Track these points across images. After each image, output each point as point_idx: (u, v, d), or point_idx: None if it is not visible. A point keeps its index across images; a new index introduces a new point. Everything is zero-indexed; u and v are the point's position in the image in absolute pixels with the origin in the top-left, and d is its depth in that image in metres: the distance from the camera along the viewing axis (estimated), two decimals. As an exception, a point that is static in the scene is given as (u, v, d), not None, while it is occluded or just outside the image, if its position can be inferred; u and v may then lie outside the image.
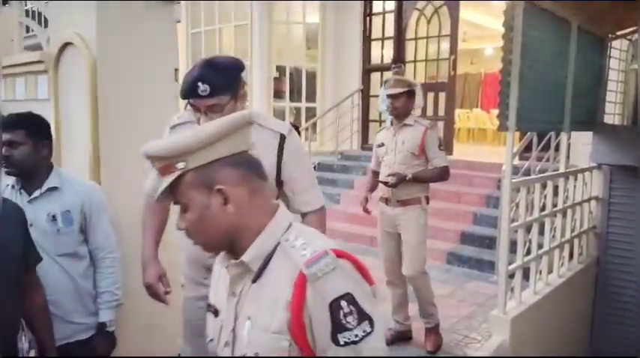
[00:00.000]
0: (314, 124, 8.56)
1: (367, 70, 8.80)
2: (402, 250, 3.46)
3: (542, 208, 3.12)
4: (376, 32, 8.77)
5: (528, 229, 2.98)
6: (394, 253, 3.52)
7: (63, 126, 2.56)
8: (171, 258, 2.35)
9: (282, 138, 1.84)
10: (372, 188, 3.73)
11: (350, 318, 0.95)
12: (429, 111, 7.82)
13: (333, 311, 0.94)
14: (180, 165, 0.99)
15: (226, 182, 1.00)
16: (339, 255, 0.99)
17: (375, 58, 8.82)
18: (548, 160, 5.04)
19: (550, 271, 3.25)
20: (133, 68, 2.44)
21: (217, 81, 1.71)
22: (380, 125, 7.66)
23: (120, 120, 2.40)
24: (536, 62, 2.72)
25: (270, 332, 0.98)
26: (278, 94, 9.16)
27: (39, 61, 2.67)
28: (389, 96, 3.51)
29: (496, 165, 6.10)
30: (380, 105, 7.32)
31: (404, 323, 3.62)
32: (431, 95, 7.71)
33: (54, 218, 1.99)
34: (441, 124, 7.96)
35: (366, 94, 8.73)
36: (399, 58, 6.86)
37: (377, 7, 8.71)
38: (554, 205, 3.26)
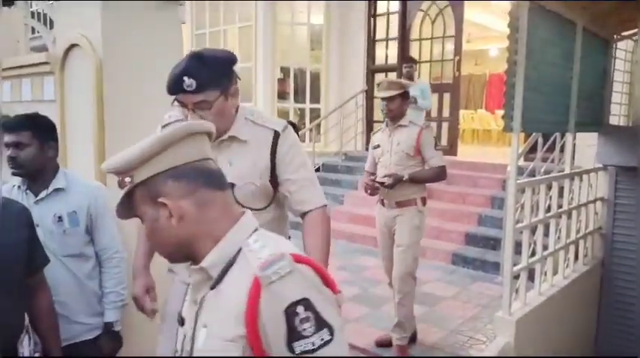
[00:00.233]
0: (318, 125, 8.57)
1: (371, 70, 8.81)
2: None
3: (548, 209, 3.11)
4: (380, 33, 8.77)
5: (533, 230, 2.98)
6: (392, 253, 3.51)
7: (69, 127, 2.57)
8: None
9: (277, 135, 1.74)
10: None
11: (307, 325, 0.89)
12: (434, 112, 7.82)
13: (288, 317, 0.89)
14: (128, 179, 0.98)
15: (170, 195, 0.97)
16: (299, 260, 0.94)
17: (380, 59, 8.83)
18: (553, 161, 5.05)
19: (555, 272, 3.24)
20: (138, 69, 2.45)
21: (204, 75, 1.59)
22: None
23: (125, 121, 2.41)
24: (541, 63, 2.72)
25: (224, 341, 0.93)
26: (282, 95, 9.18)
27: (45, 63, 2.68)
28: (383, 99, 3.50)
29: (501, 166, 6.10)
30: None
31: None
32: (435, 96, 7.70)
33: (60, 219, 2.00)
34: (445, 125, 7.98)
35: (370, 95, 8.73)
36: (411, 57, 6.81)
37: (381, 7, 8.72)
38: (560, 206, 3.25)
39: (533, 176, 4.44)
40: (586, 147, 4.36)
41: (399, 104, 3.48)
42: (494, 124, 10.95)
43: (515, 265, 2.71)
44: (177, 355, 1.07)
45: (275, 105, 8.98)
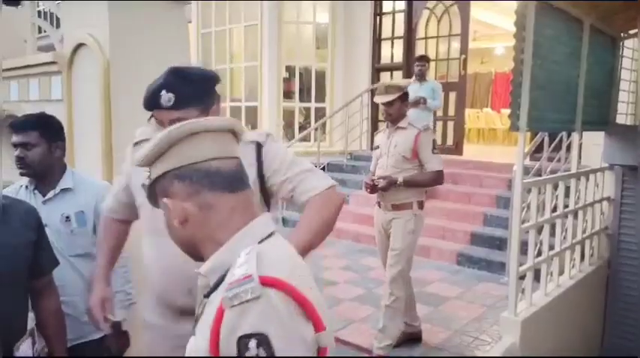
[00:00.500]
0: (323, 124, 8.57)
1: (377, 69, 8.80)
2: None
3: (554, 209, 3.10)
4: (386, 32, 8.76)
5: (539, 230, 2.97)
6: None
7: (76, 126, 2.58)
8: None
9: (259, 146, 1.63)
10: None
11: None
12: (439, 111, 7.80)
13: (239, 350, 0.79)
14: (147, 174, 0.99)
15: (175, 195, 0.95)
16: (273, 284, 0.82)
17: (385, 58, 8.82)
18: (559, 161, 5.03)
19: (561, 272, 3.22)
20: (145, 69, 2.44)
21: (184, 91, 1.50)
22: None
23: (132, 121, 2.41)
24: (547, 61, 2.71)
25: (199, 353, 0.87)
26: (288, 94, 9.18)
27: (53, 62, 2.70)
28: (381, 104, 3.43)
29: (506, 165, 6.08)
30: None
31: (412, 325, 3.61)
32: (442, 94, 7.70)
33: (68, 218, 2.01)
34: (451, 124, 7.96)
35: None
36: (424, 55, 6.77)
37: (387, 6, 8.71)
38: (566, 206, 3.23)
39: (540, 175, 4.42)
40: (592, 146, 4.34)
41: (398, 107, 3.42)
42: (500, 123, 10.92)
43: (521, 265, 2.70)
44: None
45: (281, 104, 8.99)
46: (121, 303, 2.13)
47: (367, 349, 3.54)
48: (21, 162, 1.99)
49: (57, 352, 1.80)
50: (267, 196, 1.66)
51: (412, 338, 3.60)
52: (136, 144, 1.79)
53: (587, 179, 3.48)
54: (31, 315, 1.75)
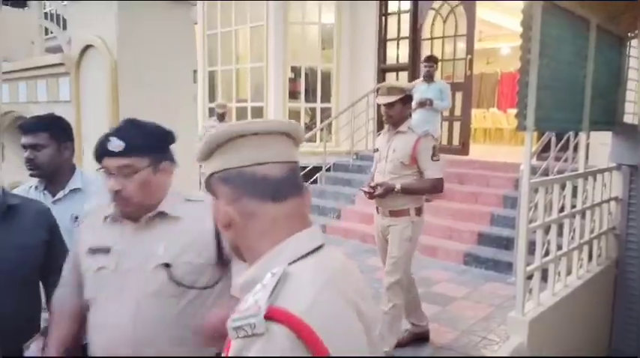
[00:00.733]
0: (329, 125, 8.58)
1: (382, 69, 8.80)
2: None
3: (561, 209, 3.09)
4: (392, 32, 8.76)
5: (547, 230, 2.96)
6: None
7: (84, 127, 2.60)
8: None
9: None
10: None
11: None
12: (446, 111, 7.79)
13: None
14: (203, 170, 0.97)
15: (221, 198, 0.93)
16: (283, 320, 0.75)
17: (391, 58, 8.81)
18: (566, 160, 5.01)
19: (569, 272, 3.21)
20: (152, 70, 2.47)
21: (135, 139, 1.46)
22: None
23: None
24: (554, 61, 2.70)
25: None
26: (293, 95, 9.21)
27: (60, 64, 2.72)
28: (383, 105, 3.33)
29: (513, 165, 6.07)
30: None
31: (419, 325, 3.60)
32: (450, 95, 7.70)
33: (77, 218, 2.02)
34: (457, 124, 7.95)
35: (381, 94, 8.71)
36: (432, 56, 6.76)
37: (392, 6, 8.71)
38: (573, 206, 3.22)
39: (547, 175, 4.41)
40: (600, 146, 4.32)
41: (400, 110, 3.31)
42: (507, 123, 10.89)
43: (528, 265, 2.69)
44: None
45: (286, 104, 9.01)
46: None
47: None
48: (31, 163, 2.00)
49: (72, 349, 1.80)
50: (223, 257, 1.55)
51: (420, 337, 3.60)
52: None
53: (595, 179, 3.47)
54: (44, 316, 1.76)
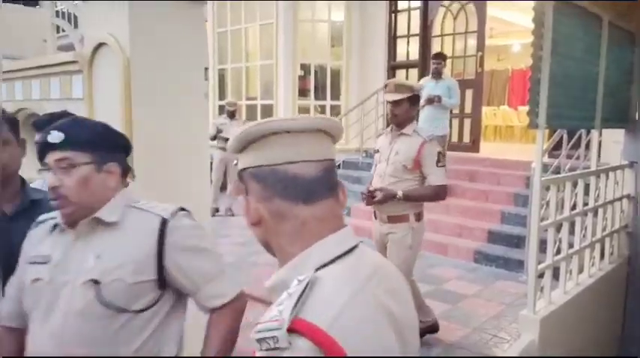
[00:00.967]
0: (339, 122, 8.58)
1: (392, 67, 8.78)
2: None
3: (573, 207, 3.07)
4: (401, 29, 8.74)
5: (558, 228, 2.95)
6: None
7: (97, 125, 2.62)
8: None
9: (164, 222, 1.40)
10: None
11: None
12: (456, 109, 7.77)
13: None
14: (235, 161, 0.95)
15: (252, 194, 0.91)
16: (307, 332, 0.73)
17: (401, 55, 8.79)
18: (578, 158, 4.98)
19: (580, 271, 3.20)
20: (165, 67, 2.48)
21: (76, 132, 1.38)
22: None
23: (152, 119, 2.45)
24: (566, 58, 2.68)
25: None
26: (303, 92, 9.22)
27: (73, 61, 2.73)
28: (389, 102, 3.20)
29: (524, 163, 6.04)
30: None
31: (426, 321, 3.54)
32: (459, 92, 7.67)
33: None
34: (467, 122, 7.92)
35: (391, 92, 8.70)
36: (440, 53, 6.75)
37: (402, 4, 8.68)
38: (585, 204, 3.20)
39: (558, 173, 4.39)
40: (612, 144, 4.29)
41: (406, 109, 3.17)
42: (517, 121, 10.83)
43: (540, 263, 2.68)
44: None
45: (296, 102, 9.03)
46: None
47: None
48: (44, 160, 2.01)
49: None
50: (163, 277, 1.40)
51: (428, 331, 3.54)
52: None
53: (607, 176, 3.45)
54: None
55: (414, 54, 8.49)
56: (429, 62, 7.12)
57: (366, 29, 8.95)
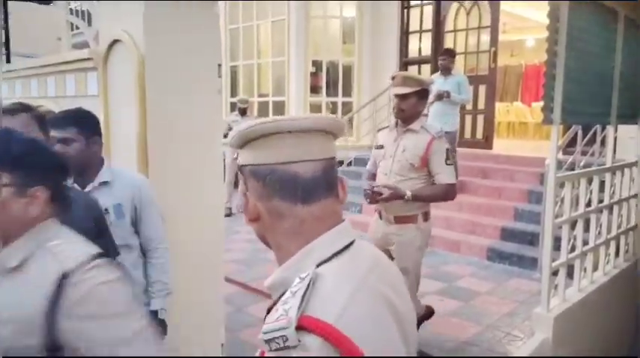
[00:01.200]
0: (350, 119, 8.56)
1: (405, 63, 8.74)
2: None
3: (588, 204, 3.05)
4: (414, 25, 8.69)
5: (573, 225, 2.92)
6: None
7: (112, 121, 2.64)
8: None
9: (64, 276, 1.13)
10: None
11: None
12: (469, 105, 7.72)
13: None
14: (235, 155, 0.95)
15: (251, 191, 0.91)
16: (315, 329, 0.74)
17: (413, 51, 8.75)
18: (593, 154, 4.93)
19: (595, 268, 3.17)
20: (179, 64, 2.50)
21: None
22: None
23: (166, 115, 2.47)
24: (581, 53, 2.66)
25: None
26: (314, 89, 9.21)
27: (88, 59, 2.76)
28: (395, 95, 3.02)
29: (538, 159, 5.99)
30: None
31: (418, 313, 3.31)
32: (470, 88, 7.61)
33: (106, 211, 2.06)
34: (480, 118, 7.87)
35: (403, 88, 8.66)
36: (448, 49, 6.70)
37: (415, -1, 8.64)
38: (600, 201, 3.17)
39: (572, 169, 4.35)
40: (628, 140, 4.25)
41: (414, 104, 3.00)
42: (531, 117, 10.73)
43: (554, 261, 2.67)
44: None
45: (308, 98, 9.02)
46: (159, 293, 2.18)
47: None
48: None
49: None
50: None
51: (424, 319, 3.40)
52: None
53: (622, 173, 3.41)
54: None
55: (427, 50, 8.44)
56: (453, 57, 7.05)
57: (378, 25, 8.91)
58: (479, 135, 7.89)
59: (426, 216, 3.08)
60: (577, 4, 2.53)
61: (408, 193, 2.89)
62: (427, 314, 3.49)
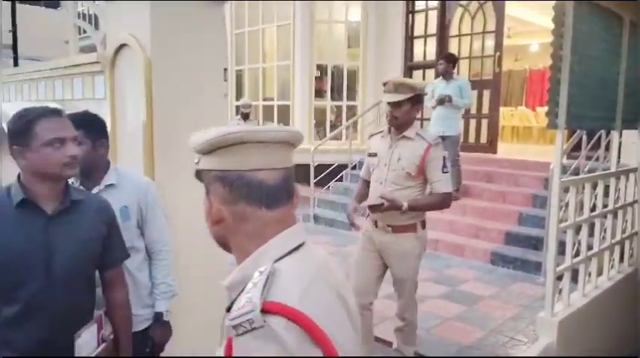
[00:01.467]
0: (355, 123, 8.58)
1: (409, 67, 8.75)
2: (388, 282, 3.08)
3: (592, 208, 3.05)
4: (419, 29, 8.71)
5: (577, 230, 2.92)
6: (378, 272, 3.08)
7: (119, 124, 2.66)
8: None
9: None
10: (362, 199, 3.13)
11: None
12: (473, 109, 7.73)
13: None
14: (196, 160, 0.99)
15: (214, 195, 0.95)
16: (279, 311, 0.80)
17: (418, 56, 8.76)
18: (597, 159, 4.92)
19: (599, 273, 3.17)
20: (185, 68, 2.52)
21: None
22: (422, 124, 7.60)
23: (173, 118, 2.48)
24: (586, 58, 2.66)
25: None
26: (319, 93, 9.23)
27: (96, 62, 2.78)
28: (388, 103, 2.90)
29: (542, 163, 5.98)
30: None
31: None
32: (475, 93, 7.61)
33: (112, 213, 2.07)
34: (485, 122, 7.87)
35: (407, 92, 8.67)
36: (449, 53, 6.71)
37: (419, 4, 8.65)
38: (605, 206, 3.17)
39: (577, 174, 4.34)
40: (632, 145, 4.25)
41: (407, 111, 2.87)
42: (535, 121, 10.72)
43: (558, 265, 2.67)
44: None
45: (312, 102, 9.05)
46: (163, 295, 2.19)
47: (390, 342, 3.54)
48: (68, 159, 2.05)
49: (122, 342, 1.85)
50: None
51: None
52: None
53: (627, 178, 3.41)
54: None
55: (431, 54, 8.45)
56: (455, 61, 7.07)
57: (383, 29, 8.93)
58: (483, 139, 7.90)
59: (424, 224, 3.02)
60: (582, 9, 2.54)
61: (405, 204, 2.80)
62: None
